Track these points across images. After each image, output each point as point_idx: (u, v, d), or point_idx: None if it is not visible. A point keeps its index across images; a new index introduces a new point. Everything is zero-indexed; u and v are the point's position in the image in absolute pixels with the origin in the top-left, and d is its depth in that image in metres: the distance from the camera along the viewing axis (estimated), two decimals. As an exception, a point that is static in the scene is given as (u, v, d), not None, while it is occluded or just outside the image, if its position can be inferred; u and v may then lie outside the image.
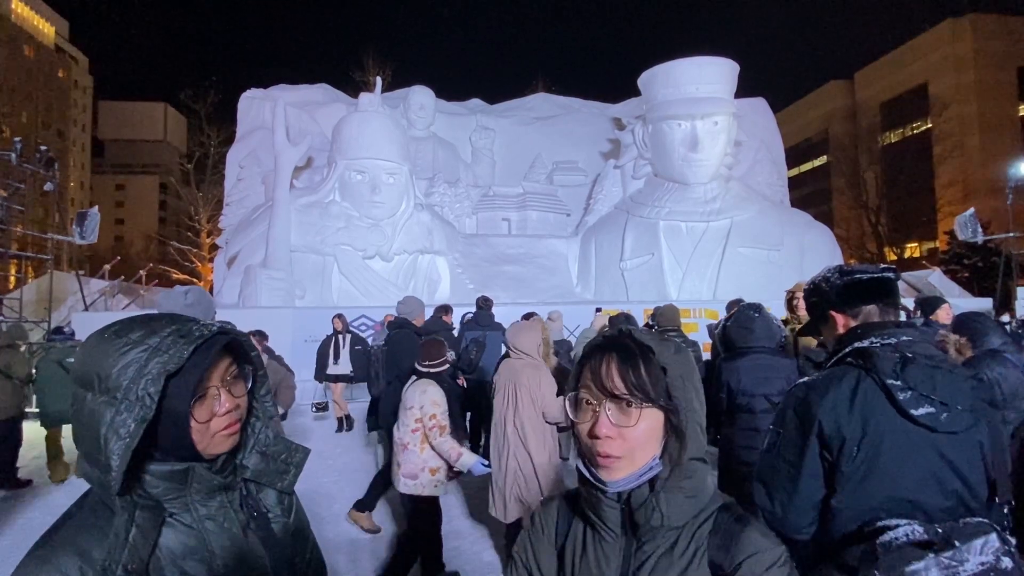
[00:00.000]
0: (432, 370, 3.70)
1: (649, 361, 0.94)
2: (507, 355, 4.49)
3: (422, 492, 3.57)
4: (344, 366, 8.53)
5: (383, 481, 4.87)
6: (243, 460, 1.06)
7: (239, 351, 1.03)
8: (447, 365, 3.82)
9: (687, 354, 0.99)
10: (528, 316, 6.33)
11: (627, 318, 5.39)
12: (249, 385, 1.05)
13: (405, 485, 3.58)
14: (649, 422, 0.93)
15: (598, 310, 9.25)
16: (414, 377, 3.78)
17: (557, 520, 1.08)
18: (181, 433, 0.92)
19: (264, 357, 4.97)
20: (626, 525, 0.96)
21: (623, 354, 0.95)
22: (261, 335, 5.79)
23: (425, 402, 3.54)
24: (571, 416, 0.99)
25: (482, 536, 4.57)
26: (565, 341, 7.61)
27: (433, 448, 3.55)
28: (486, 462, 3.57)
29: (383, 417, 5.07)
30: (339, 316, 8.92)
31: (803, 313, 4.06)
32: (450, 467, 3.63)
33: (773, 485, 1.58)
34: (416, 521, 3.65)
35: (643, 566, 0.94)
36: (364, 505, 4.85)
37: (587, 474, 0.96)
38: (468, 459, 3.51)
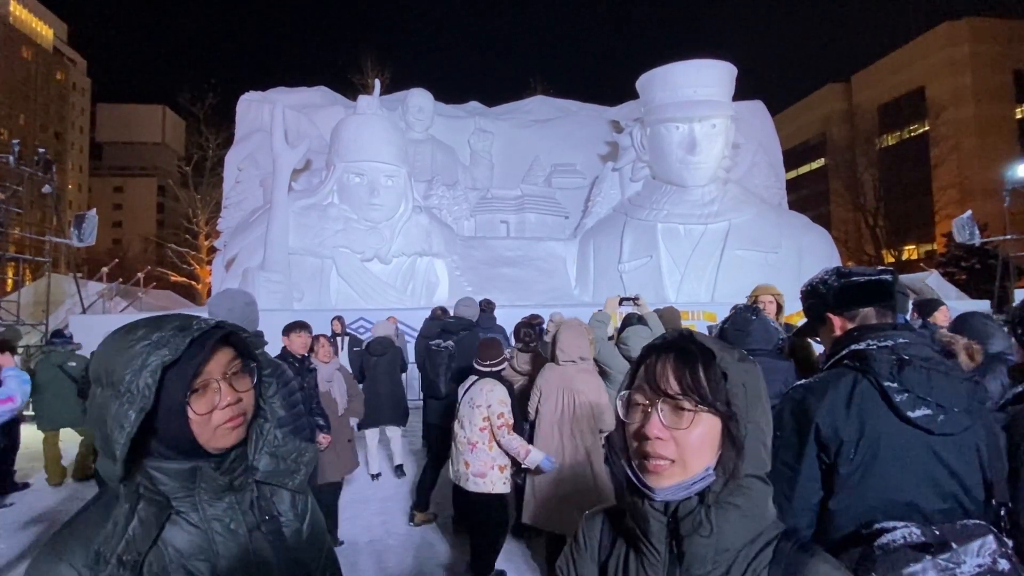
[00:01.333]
0: (493, 369, 3.77)
1: (709, 365, 0.89)
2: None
3: (492, 490, 3.59)
4: None
5: (432, 476, 5.06)
6: (254, 461, 1.07)
7: (244, 348, 1.04)
8: (506, 364, 3.88)
9: (753, 365, 0.93)
10: (532, 318, 6.33)
11: (639, 318, 5.34)
12: (254, 381, 1.05)
13: (475, 484, 3.60)
14: (704, 428, 0.87)
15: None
16: (473, 377, 3.82)
17: (600, 535, 1.03)
18: (181, 425, 0.94)
19: (336, 362, 4.86)
20: (671, 543, 0.89)
21: (681, 355, 0.90)
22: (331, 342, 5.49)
23: (493, 401, 3.58)
24: (622, 417, 0.94)
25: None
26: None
27: (500, 446, 3.58)
28: (553, 459, 3.57)
29: (435, 416, 5.09)
30: (338, 318, 8.94)
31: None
32: (516, 465, 3.66)
33: (770, 488, 1.58)
34: (485, 518, 3.67)
35: None
36: (422, 505, 5.02)
37: (634, 479, 0.91)
38: (536, 456, 3.52)
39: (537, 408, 3.76)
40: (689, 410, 0.87)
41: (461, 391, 3.87)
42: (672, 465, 0.87)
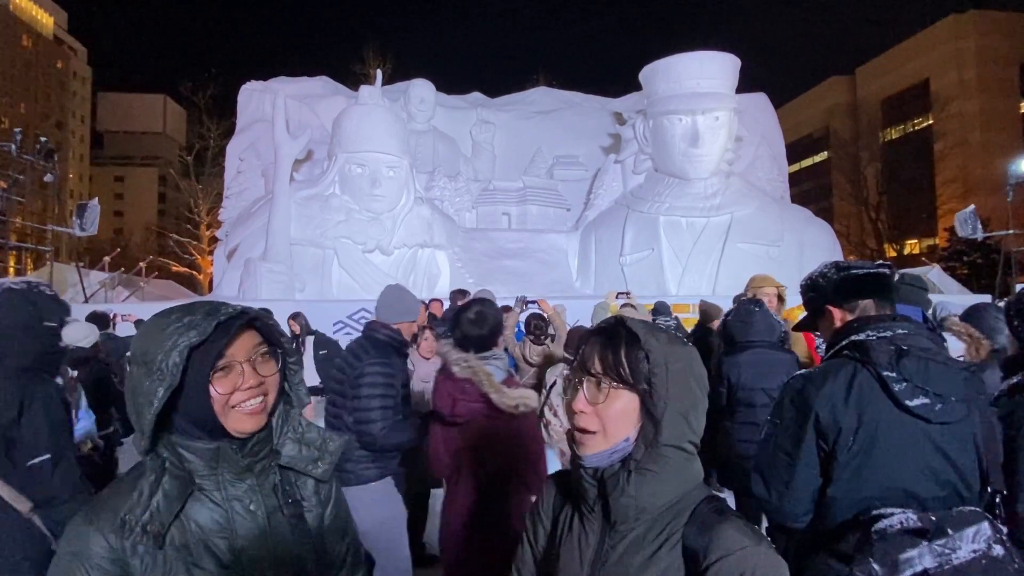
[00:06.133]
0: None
1: (632, 346, 0.98)
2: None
3: None
4: (309, 377, 6.34)
5: None
6: (278, 446, 1.11)
7: (270, 334, 1.09)
8: None
9: (683, 347, 1.01)
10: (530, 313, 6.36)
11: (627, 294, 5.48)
12: (279, 366, 1.09)
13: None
14: (622, 403, 0.97)
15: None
16: (563, 367, 3.87)
17: (554, 499, 1.15)
18: (203, 403, 0.99)
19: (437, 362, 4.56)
20: (602, 504, 1.00)
21: (606, 337, 1.01)
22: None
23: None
24: (563, 394, 1.07)
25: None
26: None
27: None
28: None
29: None
30: (295, 316, 7.22)
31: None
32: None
33: (770, 475, 1.61)
34: None
35: (616, 547, 0.98)
36: None
37: (571, 448, 1.02)
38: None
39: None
40: (605, 386, 0.98)
41: (549, 378, 3.93)
42: (596, 436, 0.98)
